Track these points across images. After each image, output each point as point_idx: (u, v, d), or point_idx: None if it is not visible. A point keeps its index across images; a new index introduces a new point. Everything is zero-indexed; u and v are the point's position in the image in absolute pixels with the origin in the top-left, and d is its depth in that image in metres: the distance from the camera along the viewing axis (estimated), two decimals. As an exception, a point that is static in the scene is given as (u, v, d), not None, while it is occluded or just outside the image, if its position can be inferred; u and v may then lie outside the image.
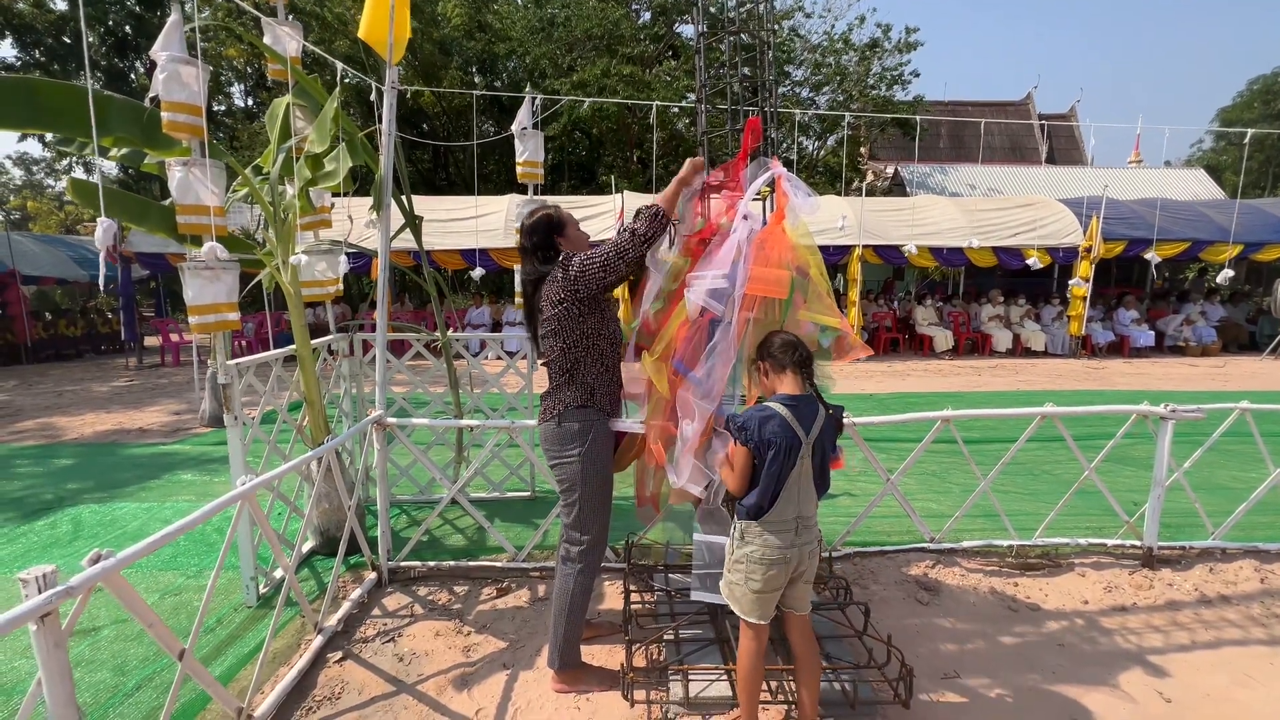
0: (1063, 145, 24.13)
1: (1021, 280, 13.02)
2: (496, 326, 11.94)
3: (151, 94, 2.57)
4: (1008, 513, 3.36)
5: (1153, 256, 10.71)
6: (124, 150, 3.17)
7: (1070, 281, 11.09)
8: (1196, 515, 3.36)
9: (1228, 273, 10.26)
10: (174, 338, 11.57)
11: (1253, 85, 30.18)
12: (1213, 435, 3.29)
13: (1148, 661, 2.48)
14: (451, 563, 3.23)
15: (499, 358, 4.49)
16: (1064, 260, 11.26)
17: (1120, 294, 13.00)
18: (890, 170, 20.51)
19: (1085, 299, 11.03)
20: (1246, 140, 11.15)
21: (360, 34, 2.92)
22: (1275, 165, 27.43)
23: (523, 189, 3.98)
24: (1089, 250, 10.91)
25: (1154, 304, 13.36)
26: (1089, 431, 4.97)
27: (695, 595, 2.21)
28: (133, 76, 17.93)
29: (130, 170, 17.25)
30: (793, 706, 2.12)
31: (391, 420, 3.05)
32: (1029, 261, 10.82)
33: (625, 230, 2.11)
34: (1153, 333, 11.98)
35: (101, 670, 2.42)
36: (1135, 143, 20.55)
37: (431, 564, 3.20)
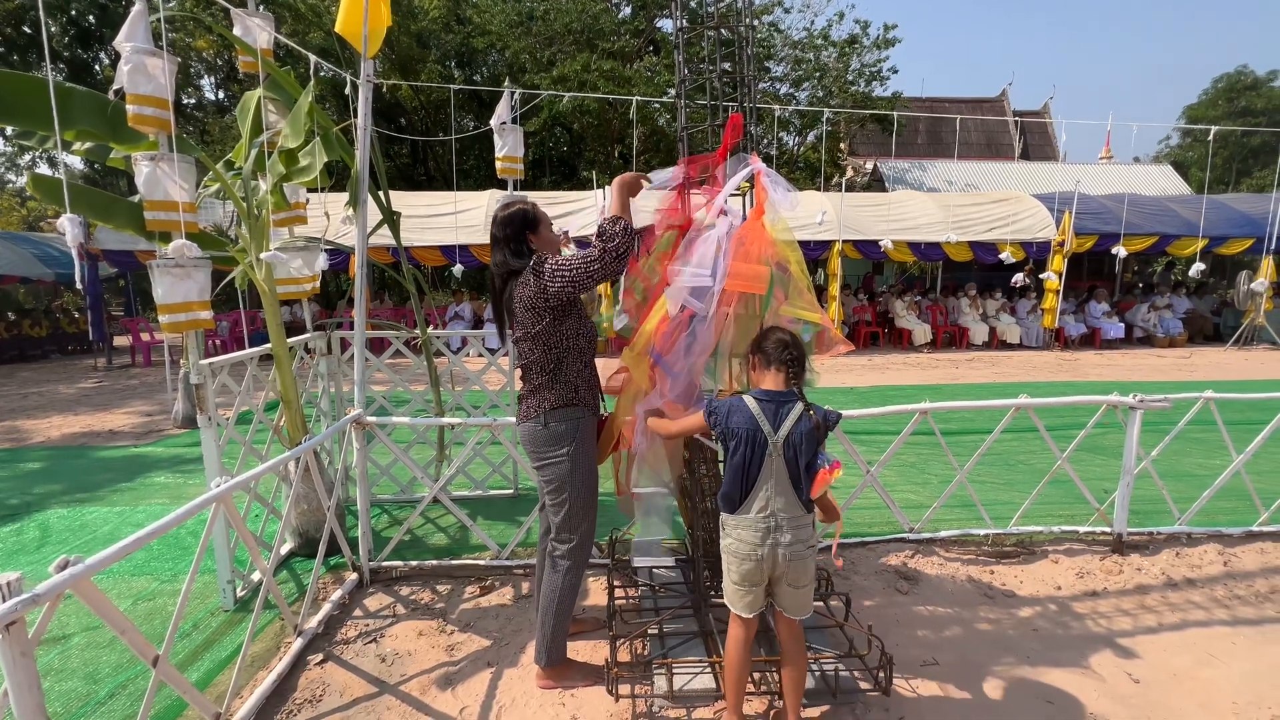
0: (1036, 141, 24.60)
1: (997, 274, 13.26)
2: (478, 323, 11.84)
3: (116, 86, 2.50)
4: (984, 502, 3.44)
5: (1119, 251, 10.97)
6: (88, 144, 3.07)
7: (1042, 275, 11.33)
8: (1164, 502, 3.46)
9: (1199, 266, 10.54)
10: (144, 337, 11.28)
11: (1217, 83, 31.04)
12: (1179, 424, 3.39)
13: (1117, 644, 2.56)
14: (434, 562, 3.20)
15: (480, 355, 4.46)
16: (1038, 255, 11.49)
17: (1091, 287, 13.31)
18: (869, 166, 20.73)
19: (1058, 292, 11.27)
20: (1211, 137, 11.45)
21: (338, 28, 2.87)
22: (1239, 161, 28.29)
23: (503, 184, 3.95)
24: (1062, 245, 11.15)
25: (1124, 297, 13.70)
26: (1062, 422, 5.09)
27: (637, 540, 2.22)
28: (97, 68, 17.37)
29: (96, 165, 16.75)
30: (776, 697, 2.15)
31: (371, 419, 3.01)
32: (1002, 256, 11.02)
33: (596, 245, 2.04)
34: (1122, 325, 12.30)
35: (72, 679, 2.36)
36: (1106, 139, 21.04)
37: (414, 563, 3.17)
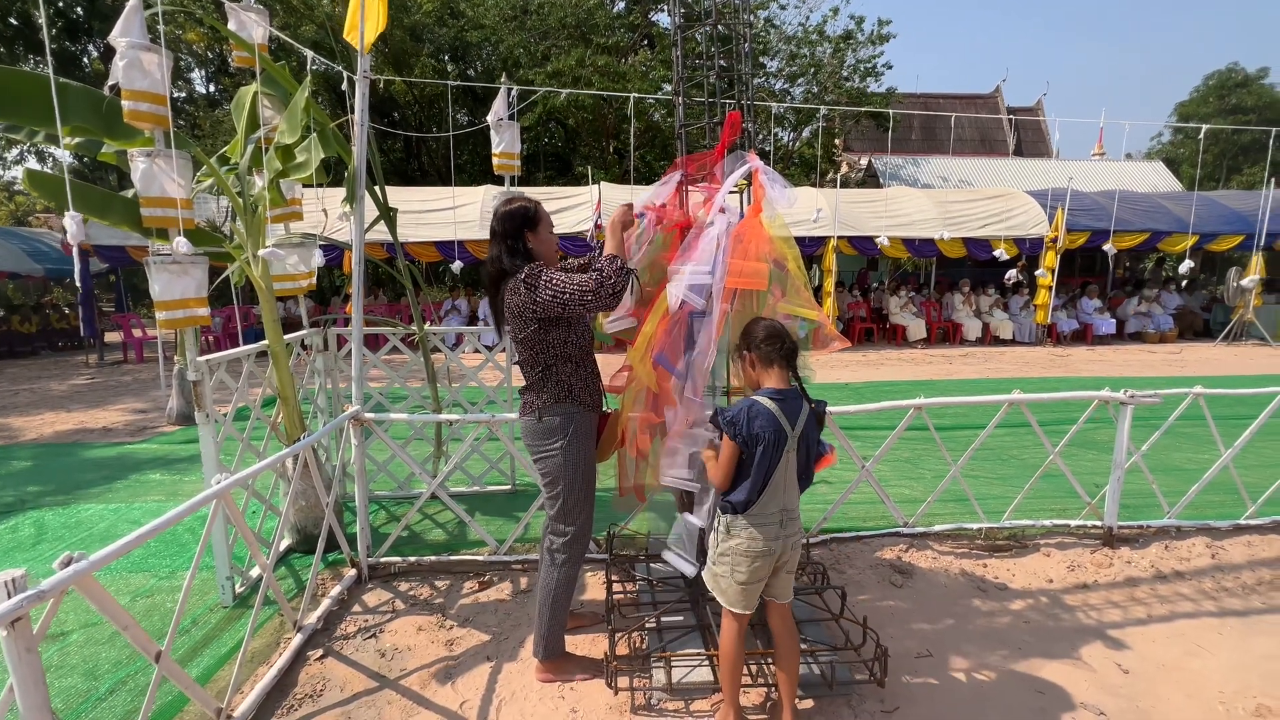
0: (1030, 138, 24.72)
1: (990, 270, 13.34)
2: (473, 319, 11.81)
3: (111, 81, 2.49)
4: (977, 497, 3.48)
5: (1109, 249, 11.03)
6: (80, 139, 3.05)
7: (1035, 272, 11.40)
8: (1154, 496, 3.51)
9: (1188, 264, 10.62)
10: (136, 333, 11.20)
11: (1208, 80, 31.18)
12: (1169, 419, 3.43)
13: (1108, 635, 2.60)
14: (432, 558, 3.21)
15: (477, 351, 4.46)
16: (1030, 251, 11.55)
17: (1083, 283, 13.40)
18: (864, 162, 20.75)
19: (1051, 289, 11.35)
20: (1202, 134, 11.52)
21: (345, 35, 2.86)
22: (1229, 158, 28.46)
23: (499, 180, 3.94)
24: (1055, 241, 11.21)
25: (1115, 293, 13.81)
26: (1054, 417, 5.14)
27: (666, 555, 2.23)
28: (85, 61, 17.15)
29: (85, 159, 16.56)
30: (773, 689, 2.18)
31: (369, 415, 3.02)
32: (996, 252, 11.06)
33: (593, 277, 2.04)
34: (1114, 320, 12.41)
35: (72, 675, 2.37)
36: (1098, 136, 21.10)
37: (412, 559, 3.18)
